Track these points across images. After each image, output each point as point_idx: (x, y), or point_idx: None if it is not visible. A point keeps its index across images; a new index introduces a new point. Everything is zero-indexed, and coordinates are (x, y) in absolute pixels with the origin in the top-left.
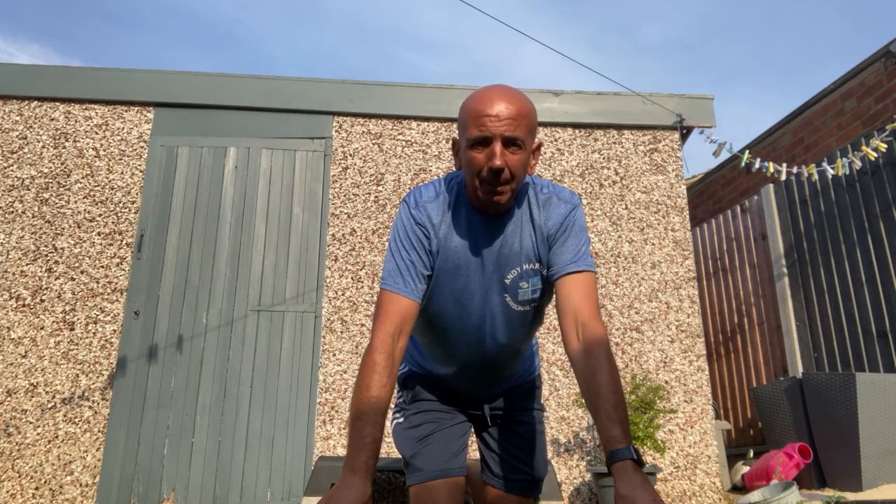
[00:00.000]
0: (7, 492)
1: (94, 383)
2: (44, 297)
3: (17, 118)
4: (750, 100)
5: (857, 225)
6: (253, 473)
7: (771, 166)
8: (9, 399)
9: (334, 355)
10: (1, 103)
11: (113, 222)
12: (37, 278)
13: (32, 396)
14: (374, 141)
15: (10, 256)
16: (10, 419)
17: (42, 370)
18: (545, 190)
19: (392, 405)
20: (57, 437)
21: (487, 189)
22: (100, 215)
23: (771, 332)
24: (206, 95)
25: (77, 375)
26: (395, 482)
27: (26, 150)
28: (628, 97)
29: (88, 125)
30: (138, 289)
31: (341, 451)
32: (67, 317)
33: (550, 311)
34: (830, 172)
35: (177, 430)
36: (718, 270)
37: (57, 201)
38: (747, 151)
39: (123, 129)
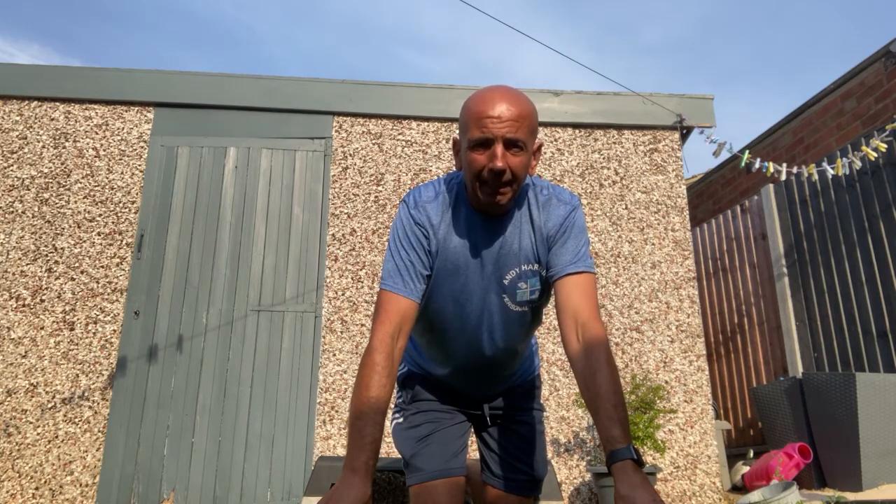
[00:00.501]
0: (7, 492)
1: (94, 383)
2: (44, 297)
3: (17, 118)
4: (750, 100)
5: (857, 225)
6: (253, 473)
7: (771, 166)
8: (9, 399)
9: (334, 355)
10: (1, 103)
11: (113, 222)
12: (37, 278)
13: (32, 396)
14: (374, 141)
15: (10, 256)
16: (10, 419)
17: (42, 370)
18: (545, 191)
19: (392, 405)
20: (57, 437)
21: (488, 190)
22: (100, 215)
23: (771, 332)
24: (206, 95)
25: (77, 375)
26: (395, 482)
27: (26, 150)
28: (628, 97)
29: (88, 125)
30: (138, 289)
31: (341, 451)
32: (67, 317)
33: (550, 312)
34: (830, 172)
35: (177, 430)
36: (718, 270)
37: (57, 201)
38: (747, 151)
39: (123, 129)
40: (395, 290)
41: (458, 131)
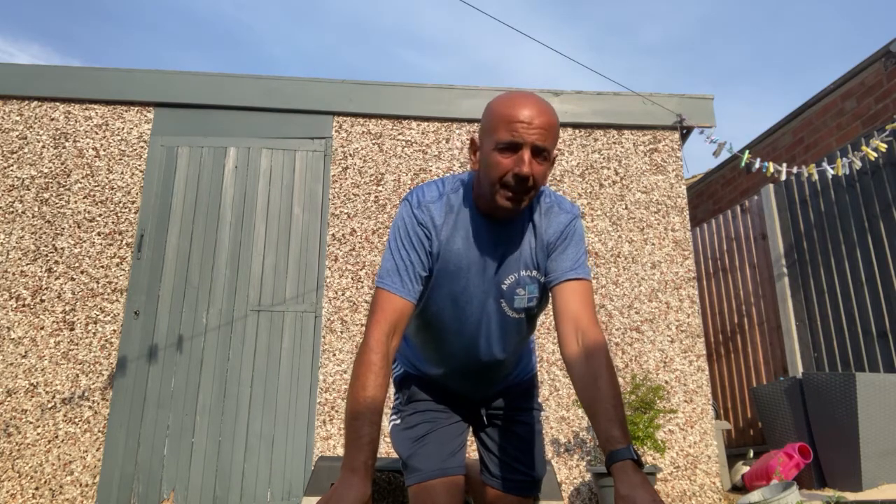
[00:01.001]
0: (7, 492)
1: (94, 383)
2: (44, 297)
3: (17, 118)
4: (750, 100)
5: (857, 225)
6: (253, 473)
7: (771, 166)
8: (9, 399)
9: (334, 355)
10: (1, 103)
11: (113, 222)
12: (37, 278)
13: (32, 396)
14: (374, 141)
15: (10, 256)
16: (10, 419)
17: (42, 370)
18: (548, 199)
19: (389, 407)
20: (57, 437)
21: (509, 195)
22: (100, 215)
23: (771, 332)
24: (206, 95)
25: (77, 375)
26: (395, 482)
27: (26, 150)
28: (628, 97)
29: (88, 125)
30: (138, 289)
31: (341, 451)
32: (67, 317)
33: (550, 311)
34: (830, 172)
35: (177, 430)
36: (718, 270)
37: (57, 201)
38: (747, 151)
39: (123, 129)
40: (392, 290)
41: (478, 131)
